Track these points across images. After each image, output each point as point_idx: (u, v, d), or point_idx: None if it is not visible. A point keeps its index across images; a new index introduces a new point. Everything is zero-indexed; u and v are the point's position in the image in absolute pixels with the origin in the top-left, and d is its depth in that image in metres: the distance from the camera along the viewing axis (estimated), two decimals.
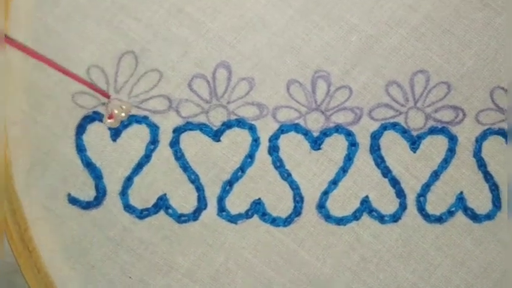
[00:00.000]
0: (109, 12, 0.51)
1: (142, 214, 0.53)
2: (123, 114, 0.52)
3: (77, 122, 0.52)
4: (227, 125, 0.53)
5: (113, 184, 0.53)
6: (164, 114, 0.52)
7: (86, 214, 0.53)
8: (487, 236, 0.54)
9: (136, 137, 0.53)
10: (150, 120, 0.52)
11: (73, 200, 0.53)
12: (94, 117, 0.52)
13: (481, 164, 0.54)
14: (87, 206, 0.53)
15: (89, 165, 0.52)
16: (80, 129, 0.52)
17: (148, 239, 0.53)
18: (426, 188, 0.54)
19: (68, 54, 0.51)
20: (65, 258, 0.53)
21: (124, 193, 0.53)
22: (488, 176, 0.54)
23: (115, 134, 0.52)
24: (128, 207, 0.53)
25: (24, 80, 0.52)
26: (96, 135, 0.52)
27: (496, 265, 0.54)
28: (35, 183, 0.53)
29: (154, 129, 0.52)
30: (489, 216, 0.54)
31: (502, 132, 0.54)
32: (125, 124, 0.52)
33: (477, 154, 0.54)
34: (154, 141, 0.53)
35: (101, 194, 0.53)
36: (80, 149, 0.52)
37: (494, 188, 0.54)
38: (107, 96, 0.52)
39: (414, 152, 0.53)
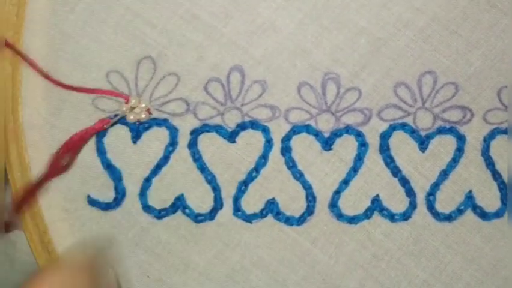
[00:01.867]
0: (124, 19, 0.53)
1: (160, 214, 0.54)
2: (138, 109, 0.54)
3: None
4: (241, 127, 0.54)
5: (132, 185, 0.54)
6: (182, 117, 0.54)
7: (105, 215, 0.54)
8: (496, 233, 0.55)
9: (155, 139, 0.54)
10: (170, 123, 0.54)
11: (92, 202, 0.54)
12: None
13: (489, 163, 0.55)
14: (106, 207, 0.54)
15: (109, 167, 0.54)
16: (101, 132, 0.54)
17: (166, 238, 0.54)
18: (435, 187, 0.55)
19: (85, 60, 0.53)
20: None
21: (142, 194, 0.54)
22: (496, 175, 0.55)
23: (136, 136, 0.54)
24: (146, 208, 0.54)
25: (43, 85, 0.53)
26: (117, 137, 0.54)
27: (506, 262, 0.55)
28: (54, 186, 0.54)
29: (173, 131, 0.54)
30: (498, 214, 0.55)
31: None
32: (146, 126, 0.54)
33: (485, 153, 0.55)
34: (173, 143, 0.54)
35: (120, 195, 0.54)
36: (101, 151, 0.54)
37: (502, 187, 0.55)
38: (126, 97, 0.54)
39: (423, 151, 0.55)
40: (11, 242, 0.60)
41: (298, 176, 0.54)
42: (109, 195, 0.54)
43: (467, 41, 0.54)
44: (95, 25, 0.53)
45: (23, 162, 0.54)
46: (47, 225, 0.54)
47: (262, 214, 0.54)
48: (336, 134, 0.54)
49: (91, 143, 0.54)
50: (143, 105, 0.54)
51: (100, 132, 0.54)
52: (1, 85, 0.53)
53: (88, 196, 0.54)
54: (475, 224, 0.55)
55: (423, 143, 0.54)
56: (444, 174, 0.55)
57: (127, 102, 0.53)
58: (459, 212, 0.55)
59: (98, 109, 0.54)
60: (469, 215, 0.55)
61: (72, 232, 0.54)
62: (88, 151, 0.54)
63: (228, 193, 0.54)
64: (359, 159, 0.54)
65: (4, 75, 0.53)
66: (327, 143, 0.54)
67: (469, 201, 0.55)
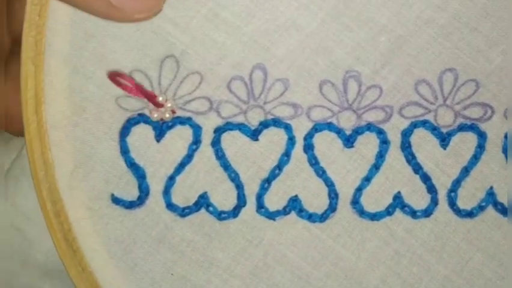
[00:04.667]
0: None
1: (184, 212, 0.55)
2: (163, 108, 0.54)
3: (121, 124, 0.54)
4: (264, 125, 0.54)
5: (156, 184, 0.55)
6: (206, 115, 0.54)
7: (129, 213, 0.55)
8: None
9: (179, 138, 0.55)
10: (193, 121, 0.54)
11: (116, 200, 0.54)
12: (138, 119, 0.54)
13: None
14: (130, 205, 0.55)
15: (132, 165, 0.54)
16: (125, 131, 0.54)
17: (190, 236, 0.55)
18: (457, 183, 0.55)
19: (108, 59, 0.53)
20: (109, 257, 0.55)
21: (166, 192, 0.55)
22: None
23: (159, 134, 0.54)
24: (170, 206, 0.55)
25: (65, 85, 0.54)
26: (140, 136, 0.54)
27: None
28: (77, 185, 0.54)
29: (197, 129, 0.54)
30: None
31: None
32: (169, 125, 0.54)
33: (506, 150, 0.55)
34: (196, 141, 0.54)
35: (144, 193, 0.55)
36: (124, 150, 0.54)
37: None
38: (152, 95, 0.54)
39: (444, 148, 0.55)
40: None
41: (321, 173, 0.55)
42: (132, 194, 0.55)
43: (487, 38, 0.54)
44: (118, 24, 0.53)
45: (46, 161, 0.54)
46: (71, 224, 0.55)
47: (285, 211, 0.55)
48: (357, 131, 0.54)
49: (115, 142, 0.54)
50: (169, 105, 0.54)
51: (124, 131, 0.54)
52: (23, 85, 0.54)
53: (112, 195, 0.54)
54: (496, 220, 0.55)
55: (444, 140, 0.55)
56: (466, 171, 0.55)
57: (155, 100, 0.54)
58: (480, 208, 0.55)
59: (122, 108, 0.54)
60: (490, 212, 0.55)
61: (96, 231, 0.55)
62: (112, 150, 0.54)
63: (251, 190, 0.55)
64: (380, 156, 0.55)
65: (26, 74, 0.53)
66: (348, 141, 0.55)
67: (490, 197, 0.55)
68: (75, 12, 0.53)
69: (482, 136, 0.55)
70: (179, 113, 0.54)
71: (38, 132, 0.54)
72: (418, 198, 0.55)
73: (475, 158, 0.55)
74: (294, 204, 0.55)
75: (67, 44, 0.54)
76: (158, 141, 0.55)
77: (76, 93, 0.54)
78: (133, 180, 0.55)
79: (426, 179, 0.55)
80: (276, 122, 0.54)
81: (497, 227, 0.55)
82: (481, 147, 0.55)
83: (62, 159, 0.54)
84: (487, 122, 0.55)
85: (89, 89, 0.54)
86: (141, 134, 0.54)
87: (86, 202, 0.55)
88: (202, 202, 0.55)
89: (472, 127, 0.55)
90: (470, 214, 0.55)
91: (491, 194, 0.55)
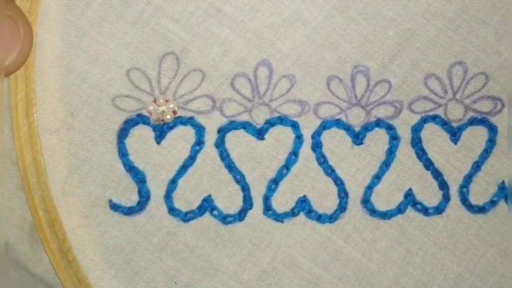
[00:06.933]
0: (144, 14, 0.51)
1: (187, 217, 0.52)
2: (163, 108, 0.52)
3: (118, 126, 0.52)
4: (270, 123, 0.52)
5: (157, 188, 0.52)
6: (208, 115, 0.52)
7: (129, 220, 0.52)
8: None
9: (181, 139, 0.52)
10: (196, 121, 0.52)
11: (114, 207, 0.52)
12: (137, 120, 0.52)
13: None
14: (129, 211, 0.52)
15: (131, 169, 0.52)
16: (123, 132, 0.52)
17: (193, 242, 0.53)
18: (468, 178, 0.54)
19: (103, 58, 0.51)
20: (107, 267, 0.53)
21: (168, 196, 0.52)
22: None
23: (160, 136, 0.52)
24: (172, 211, 0.52)
25: (58, 85, 0.51)
26: (139, 138, 0.52)
27: None
28: (73, 191, 0.52)
29: (199, 129, 0.52)
30: None
31: None
32: (170, 126, 0.52)
33: None
34: (199, 142, 0.52)
35: (144, 198, 0.52)
36: (123, 153, 0.52)
37: None
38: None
39: (455, 143, 0.54)
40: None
41: (330, 172, 0.53)
42: (132, 199, 0.52)
43: (495, 31, 0.53)
44: (113, 21, 0.51)
45: (38, 167, 0.51)
46: (66, 233, 0.52)
47: (293, 213, 0.53)
48: (367, 128, 0.53)
49: (112, 145, 0.52)
50: (172, 106, 0.52)
51: (121, 133, 0.52)
52: (12, 86, 0.51)
53: (110, 201, 0.52)
54: (509, 215, 0.54)
55: (455, 134, 0.54)
56: (477, 165, 0.54)
57: (154, 102, 0.51)
58: (492, 203, 0.54)
59: (119, 109, 0.51)
60: (502, 206, 0.55)
61: (93, 239, 0.52)
62: (109, 153, 0.52)
63: (257, 192, 0.53)
64: (390, 153, 0.53)
65: (16, 74, 0.50)
66: (358, 138, 0.53)
67: (502, 192, 0.54)
68: (68, 9, 0.51)
69: (492, 130, 0.54)
70: (180, 112, 0.52)
71: (30, 137, 0.51)
72: (430, 195, 0.54)
73: (486, 152, 0.54)
74: (302, 205, 0.53)
75: (59, 42, 0.51)
76: (158, 143, 0.52)
77: (70, 94, 0.51)
78: (132, 184, 0.52)
79: (437, 174, 0.54)
80: (283, 120, 0.52)
81: (510, 222, 0.54)
82: (491, 141, 0.54)
83: (55, 165, 0.51)
84: (498, 115, 0.54)
85: (84, 90, 0.51)
86: (140, 136, 0.52)
87: (82, 209, 0.52)
88: (206, 206, 0.52)
89: (482, 121, 0.54)
90: (482, 209, 0.54)
91: (502, 188, 0.54)
